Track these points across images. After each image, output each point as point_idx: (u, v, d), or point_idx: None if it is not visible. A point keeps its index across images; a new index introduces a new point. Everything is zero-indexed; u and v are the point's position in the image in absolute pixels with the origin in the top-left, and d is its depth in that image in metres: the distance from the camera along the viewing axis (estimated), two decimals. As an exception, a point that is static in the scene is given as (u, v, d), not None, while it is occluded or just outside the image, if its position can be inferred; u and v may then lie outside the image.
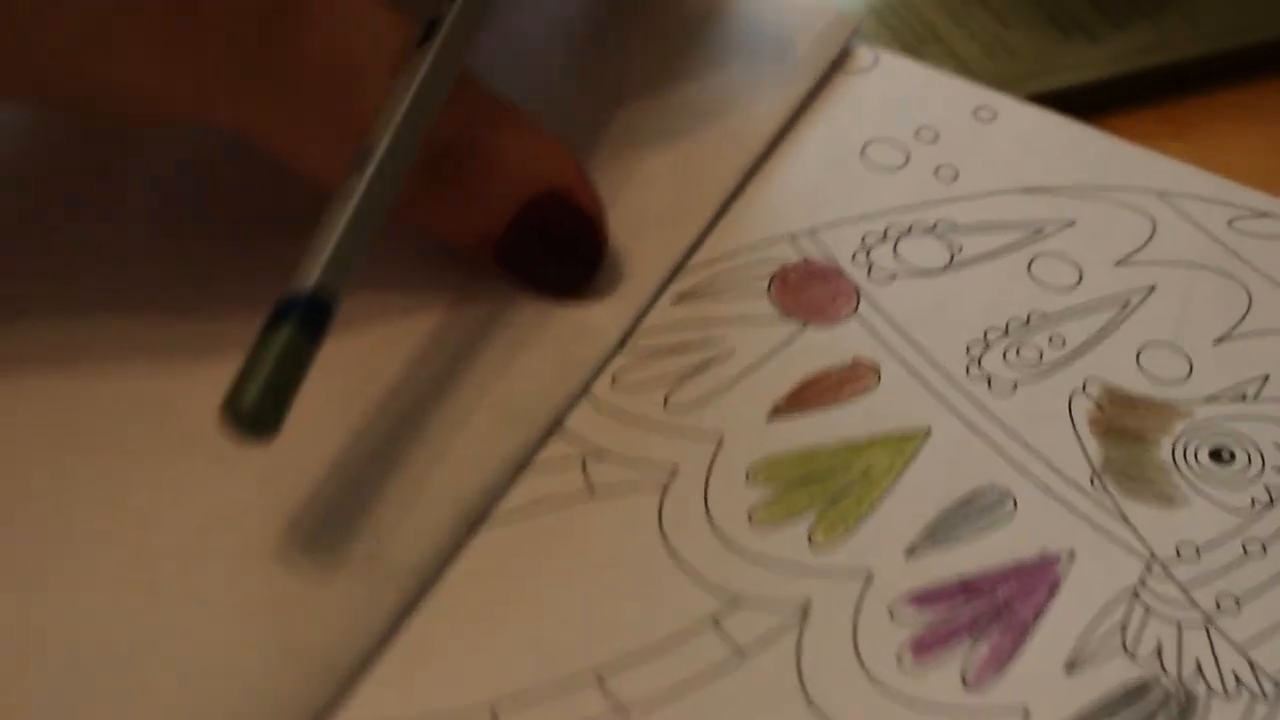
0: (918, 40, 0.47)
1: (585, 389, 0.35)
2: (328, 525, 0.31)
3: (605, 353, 0.35)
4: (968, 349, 0.36)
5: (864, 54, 0.44)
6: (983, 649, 0.31)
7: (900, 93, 0.43)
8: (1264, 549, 0.33)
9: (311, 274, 0.29)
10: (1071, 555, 0.32)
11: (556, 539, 0.32)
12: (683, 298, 0.37)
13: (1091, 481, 0.34)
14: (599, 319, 0.36)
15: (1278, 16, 0.48)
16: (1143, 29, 0.48)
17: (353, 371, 0.34)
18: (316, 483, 0.32)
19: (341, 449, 0.32)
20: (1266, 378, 0.36)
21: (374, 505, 0.31)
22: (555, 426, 0.34)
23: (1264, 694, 0.30)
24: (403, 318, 0.35)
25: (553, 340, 0.35)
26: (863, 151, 0.41)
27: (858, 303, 0.37)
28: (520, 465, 0.33)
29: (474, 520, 0.32)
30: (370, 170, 0.30)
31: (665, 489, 0.33)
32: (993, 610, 0.31)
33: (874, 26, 0.47)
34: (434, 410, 0.33)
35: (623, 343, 0.36)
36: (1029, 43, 0.47)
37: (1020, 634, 0.31)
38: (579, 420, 0.34)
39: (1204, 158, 0.44)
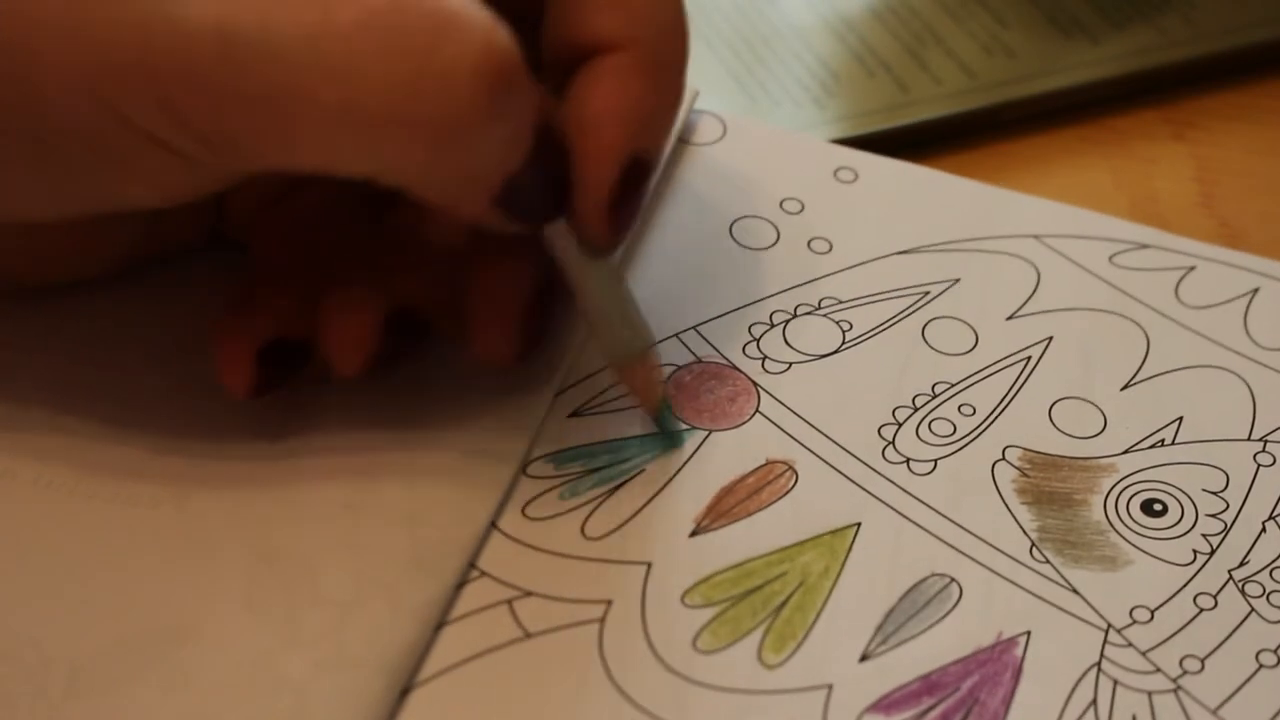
0: (918, 40, 0.51)
1: (493, 523, 0.37)
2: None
3: (508, 482, 0.37)
4: (879, 432, 0.39)
5: (710, 123, 0.47)
6: (959, 748, 0.34)
7: (756, 162, 0.45)
8: (1215, 601, 0.36)
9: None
10: (1028, 636, 0.35)
11: (497, 686, 0.34)
12: (576, 413, 0.39)
13: (1031, 553, 0.37)
14: (495, 446, 0.38)
15: (1277, 16, 0.53)
16: (1143, 29, 0.52)
17: (253, 541, 0.35)
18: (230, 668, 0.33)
19: (254, 626, 0.34)
20: (1180, 420, 0.40)
21: (292, 674, 0.33)
22: (469, 570, 0.36)
23: (1242, 750, 0.34)
24: (299, 478, 0.37)
25: (450, 478, 0.37)
26: (731, 233, 0.43)
27: (759, 400, 0.39)
28: (441, 612, 0.35)
29: (404, 679, 0.34)
30: None
31: (602, 623, 0.35)
32: (961, 706, 0.34)
33: (873, 27, 0.51)
34: (339, 568, 0.35)
35: (524, 468, 0.38)
36: (1029, 43, 0.52)
37: (993, 726, 0.34)
38: (495, 560, 0.36)
39: (1204, 158, 0.49)
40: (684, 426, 0.39)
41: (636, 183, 0.35)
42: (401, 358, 0.38)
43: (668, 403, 0.38)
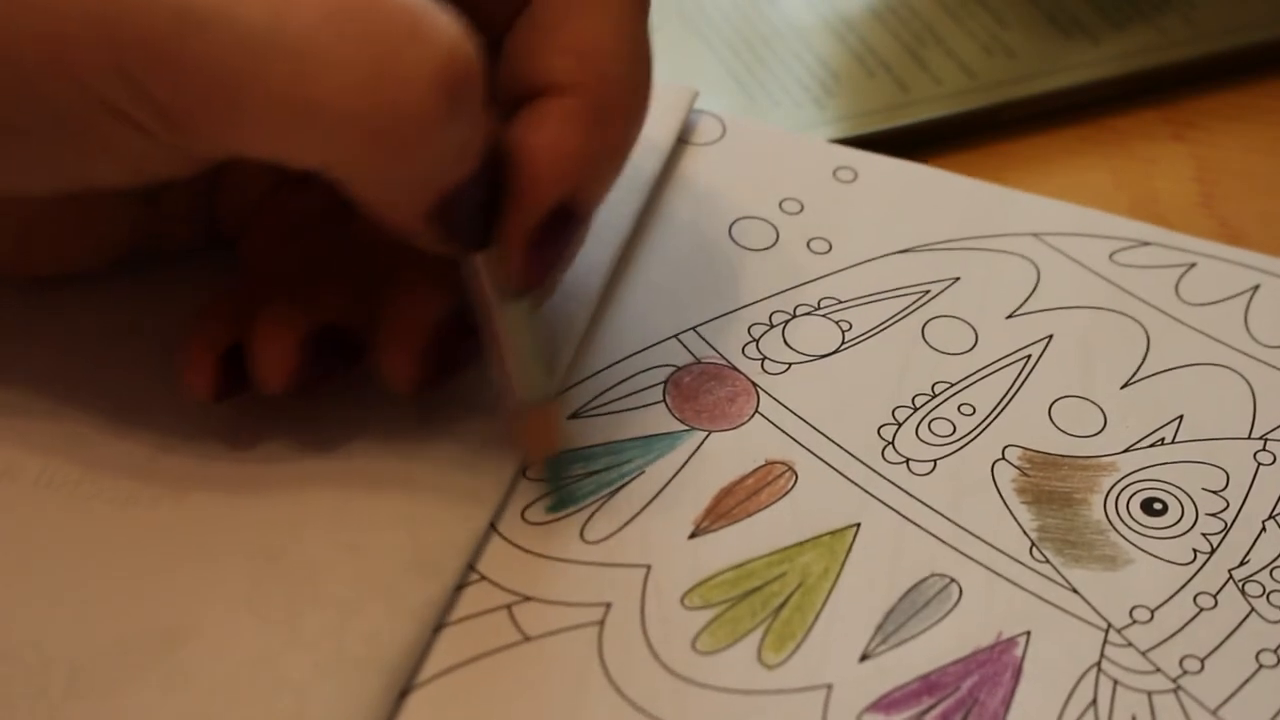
0: (917, 40, 0.52)
1: (492, 525, 0.37)
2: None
3: (507, 484, 0.38)
4: (879, 432, 0.39)
5: (710, 123, 0.47)
6: (959, 748, 0.34)
7: (756, 162, 0.46)
8: (1215, 600, 0.37)
9: None
10: (1028, 636, 0.36)
11: (496, 688, 0.34)
12: (575, 415, 0.39)
13: (1031, 553, 0.37)
14: (495, 447, 0.38)
15: (1277, 16, 0.53)
16: (1143, 29, 0.53)
17: (253, 542, 0.36)
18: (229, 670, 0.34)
19: (254, 627, 0.34)
20: (1181, 418, 0.40)
21: (292, 674, 0.34)
22: (468, 572, 0.36)
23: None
24: (300, 479, 0.37)
25: (449, 479, 0.37)
26: (731, 234, 0.44)
27: (758, 401, 0.40)
28: (440, 614, 0.35)
29: (404, 680, 0.34)
30: None
31: (602, 626, 0.35)
32: (961, 706, 0.34)
33: (873, 27, 0.52)
34: (339, 569, 0.36)
35: (523, 470, 0.38)
36: (1029, 43, 0.52)
37: (993, 726, 0.34)
38: (494, 564, 0.36)
39: (1204, 158, 0.49)
40: (575, 495, 0.38)
41: (561, 228, 0.35)
42: (332, 378, 0.38)
43: (563, 457, 0.38)
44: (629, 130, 0.36)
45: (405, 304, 0.37)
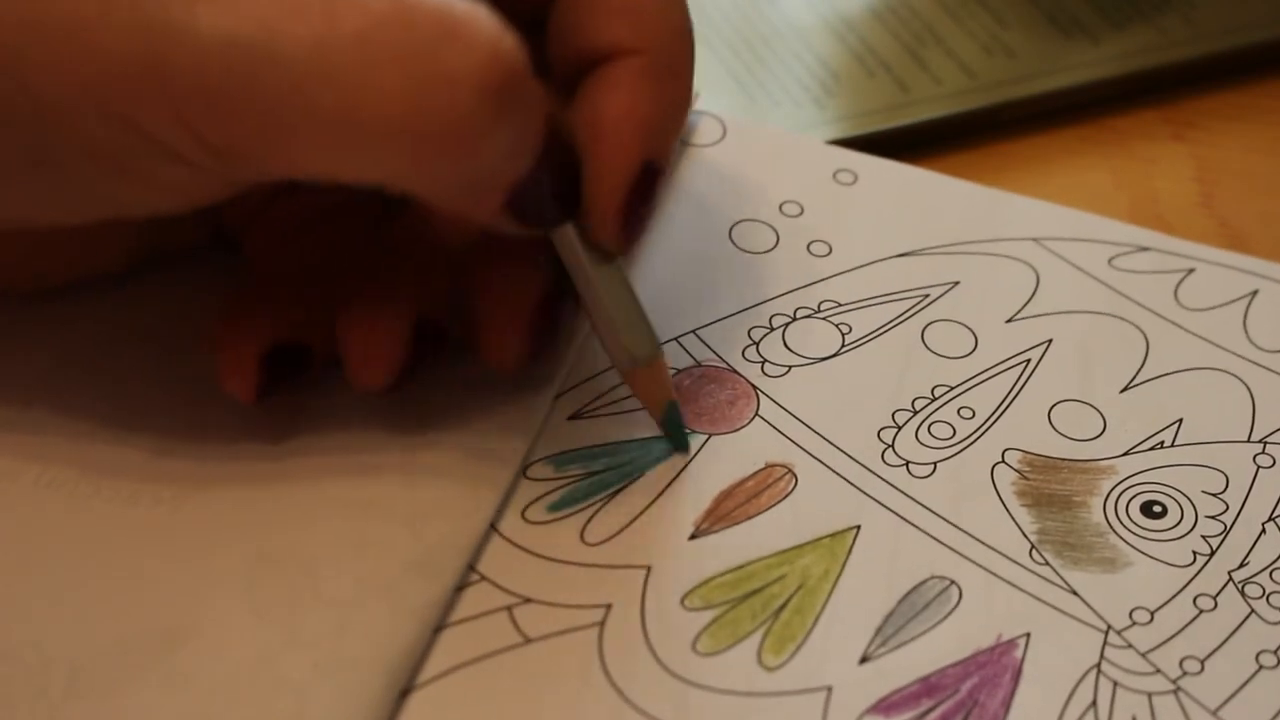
0: (917, 40, 0.52)
1: (492, 526, 0.37)
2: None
3: (508, 484, 0.38)
4: (879, 435, 0.40)
5: (710, 124, 0.47)
6: (959, 750, 0.34)
7: (756, 164, 0.46)
8: (1214, 602, 0.37)
9: None
10: (1028, 638, 0.36)
11: (497, 690, 0.35)
12: (576, 415, 0.40)
13: (1031, 555, 0.38)
14: (495, 447, 0.38)
15: (1277, 16, 0.54)
16: (1143, 29, 0.53)
17: (253, 542, 0.36)
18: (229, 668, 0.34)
19: (254, 626, 0.35)
20: (1180, 422, 0.41)
21: (292, 674, 0.34)
22: (469, 572, 0.36)
23: (1241, 752, 0.35)
24: (300, 479, 0.38)
25: (450, 479, 0.38)
26: (731, 236, 0.44)
27: (758, 404, 0.40)
28: (441, 614, 0.36)
29: (404, 680, 0.35)
30: None
31: (602, 628, 0.36)
32: (960, 708, 0.35)
33: (873, 27, 0.53)
34: (339, 569, 0.36)
35: (524, 470, 0.39)
36: (1029, 43, 0.53)
37: (993, 728, 0.35)
38: (494, 565, 0.37)
39: (1204, 158, 0.50)
40: (689, 431, 0.39)
41: (649, 188, 0.36)
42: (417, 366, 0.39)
43: (676, 407, 0.39)
44: (689, 80, 0.38)
45: (503, 284, 0.38)
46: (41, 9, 0.31)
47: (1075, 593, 0.37)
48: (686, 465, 0.39)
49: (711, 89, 0.50)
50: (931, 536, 0.38)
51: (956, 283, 0.44)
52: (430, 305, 0.38)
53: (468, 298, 0.38)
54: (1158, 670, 0.36)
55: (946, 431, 0.40)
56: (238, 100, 0.31)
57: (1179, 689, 0.36)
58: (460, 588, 0.36)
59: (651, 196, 0.36)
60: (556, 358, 0.40)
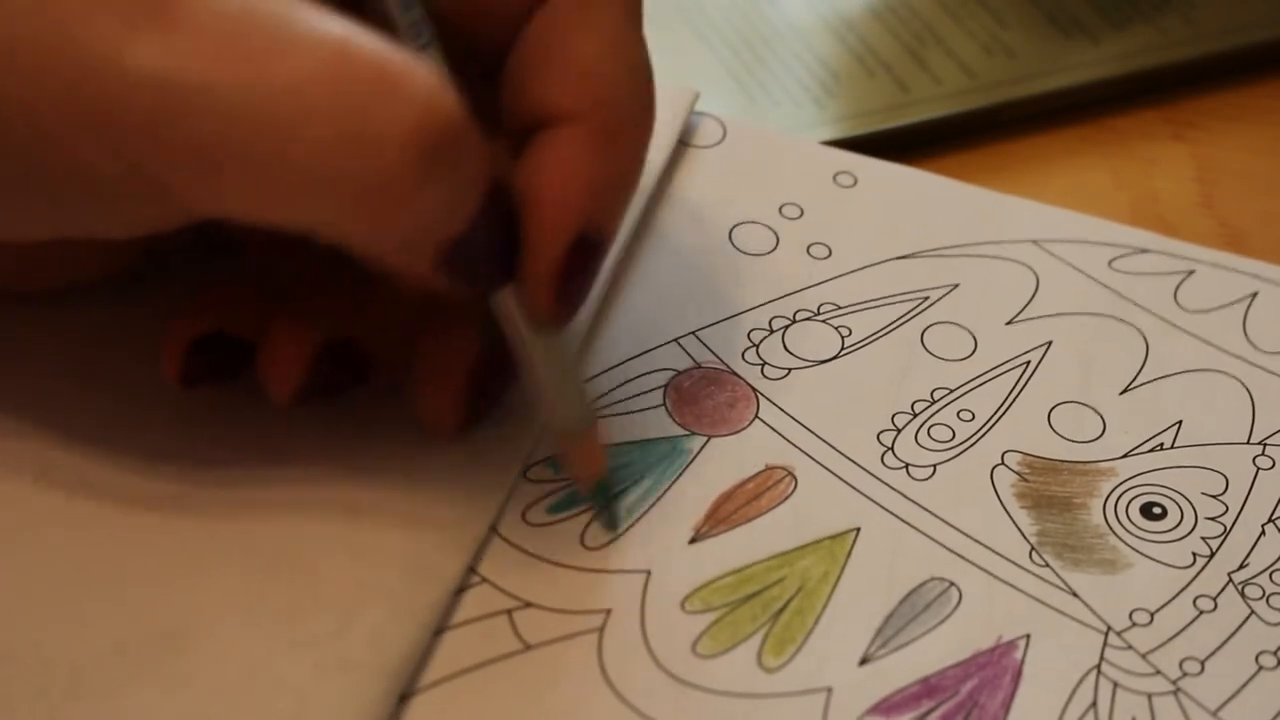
0: (918, 40, 0.53)
1: (493, 528, 0.38)
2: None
3: (508, 486, 0.39)
4: (879, 438, 0.40)
5: (710, 125, 0.48)
6: (959, 751, 0.35)
7: (756, 166, 0.47)
8: (1214, 603, 0.38)
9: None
10: (1028, 639, 0.37)
11: (497, 696, 0.35)
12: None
13: (1031, 557, 0.38)
14: (496, 448, 0.39)
15: (1277, 16, 0.55)
16: (1143, 29, 0.54)
17: (253, 544, 0.37)
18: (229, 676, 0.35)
19: (254, 628, 0.35)
20: (1180, 423, 0.41)
21: (292, 676, 0.35)
22: (470, 574, 0.37)
23: (1241, 753, 0.35)
24: (301, 480, 0.38)
25: (451, 481, 0.38)
26: (731, 238, 0.45)
27: (758, 406, 0.41)
28: (441, 616, 0.36)
29: (405, 682, 0.35)
30: None
31: (602, 633, 0.36)
32: (960, 709, 0.35)
33: (873, 27, 0.53)
34: (340, 570, 0.36)
35: (525, 472, 0.39)
36: (1029, 43, 0.53)
37: (992, 729, 0.35)
38: (495, 566, 0.37)
39: (1204, 158, 0.50)
40: (619, 515, 0.39)
41: (585, 261, 0.35)
42: (338, 392, 0.39)
43: (607, 480, 0.38)
44: (638, 150, 0.36)
45: (439, 346, 0.37)
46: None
47: (1075, 594, 0.38)
48: (686, 468, 0.39)
49: (711, 89, 0.51)
50: (931, 538, 0.38)
51: (956, 285, 0.44)
52: (357, 330, 0.38)
53: (411, 350, 0.38)
54: (1158, 671, 0.36)
55: (946, 434, 0.41)
56: (165, 138, 0.31)
57: (1179, 690, 0.36)
58: (461, 590, 0.37)
59: (588, 269, 0.35)
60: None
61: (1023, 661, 0.36)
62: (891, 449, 0.40)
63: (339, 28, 0.31)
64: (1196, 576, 0.38)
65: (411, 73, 0.31)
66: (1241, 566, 0.38)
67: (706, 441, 0.40)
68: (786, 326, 0.43)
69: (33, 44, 0.31)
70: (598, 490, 0.38)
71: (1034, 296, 0.44)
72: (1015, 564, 0.38)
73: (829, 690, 0.36)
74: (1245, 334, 0.43)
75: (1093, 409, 0.41)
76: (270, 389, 0.37)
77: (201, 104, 0.30)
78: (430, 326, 0.37)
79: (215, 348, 0.38)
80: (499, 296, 0.35)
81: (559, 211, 0.34)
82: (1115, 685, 0.36)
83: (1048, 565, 0.38)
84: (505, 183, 0.34)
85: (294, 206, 0.32)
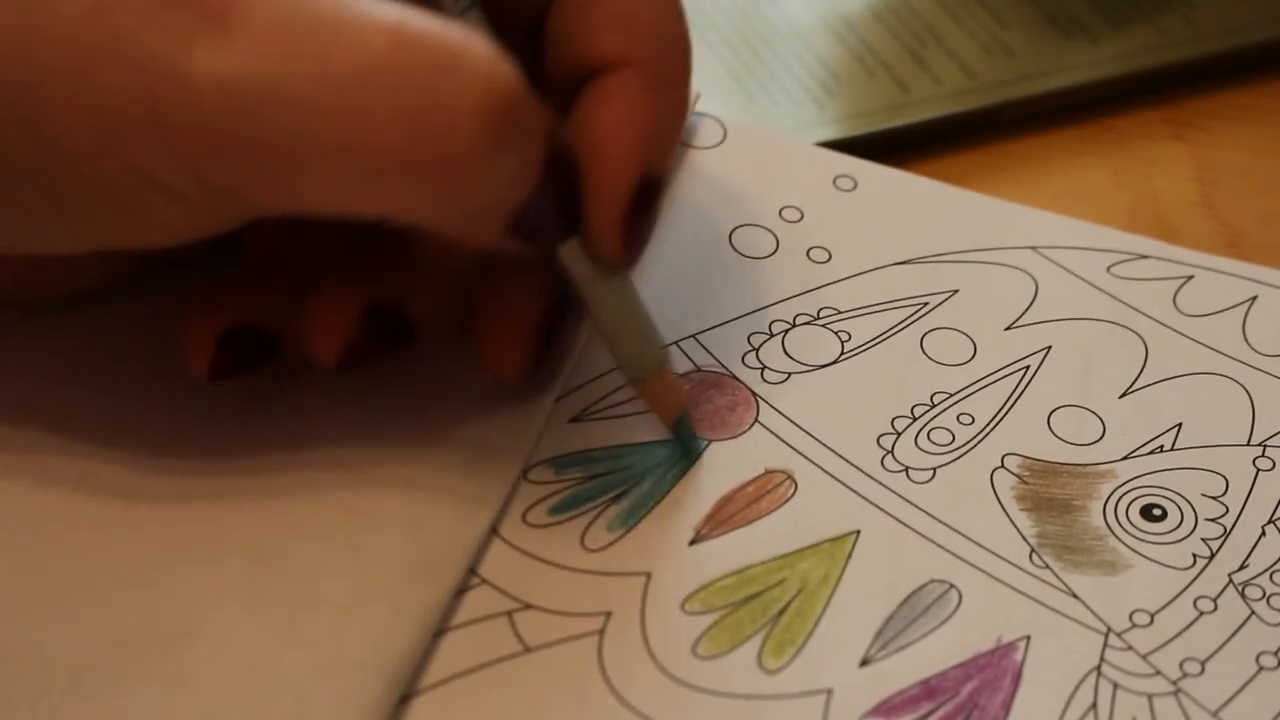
0: (918, 40, 0.53)
1: (493, 528, 0.38)
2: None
3: (509, 486, 0.39)
4: (878, 441, 0.41)
5: (710, 126, 0.48)
6: (959, 752, 0.35)
7: (756, 168, 0.47)
8: (1214, 604, 0.38)
9: None
10: (1028, 640, 0.37)
11: (497, 698, 0.35)
12: (577, 418, 0.41)
13: (1031, 559, 0.39)
14: (497, 449, 0.39)
15: (1277, 16, 0.55)
16: (1143, 29, 0.54)
17: (253, 543, 0.37)
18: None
19: (254, 628, 0.36)
20: (1179, 426, 0.42)
21: (292, 676, 0.35)
22: (470, 575, 0.37)
23: (1241, 754, 0.36)
24: (301, 480, 0.38)
25: (451, 481, 0.38)
26: (731, 240, 0.45)
27: (758, 410, 0.41)
28: (442, 617, 0.36)
29: (405, 682, 0.35)
30: None
31: (602, 635, 0.37)
32: (961, 710, 0.36)
33: (873, 27, 0.54)
34: (340, 570, 0.37)
35: (525, 473, 0.39)
36: (1029, 43, 0.54)
37: (992, 731, 0.36)
38: (495, 568, 0.38)
39: (1204, 158, 0.51)
40: (703, 441, 0.40)
41: (649, 200, 0.37)
42: (391, 359, 0.40)
43: (686, 413, 0.40)
44: (685, 89, 0.38)
45: (508, 297, 0.38)
46: (52, 47, 0.31)
47: (1075, 596, 0.38)
48: (687, 470, 0.40)
49: (711, 89, 0.51)
50: (931, 541, 0.39)
51: (955, 291, 0.45)
52: (398, 296, 0.39)
53: (472, 309, 0.39)
54: (1158, 672, 0.37)
55: (946, 437, 0.41)
56: (238, 140, 0.31)
57: (1179, 690, 0.37)
58: (461, 591, 0.37)
59: (652, 209, 0.37)
60: (558, 360, 0.41)
61: (1023, 663, 0.37)
62: (891, 452, 0.41)
63: (392, 11, 0.31)
64: (1197, 578, 0.39)
65: (469, 46, 0.32)
66: (1242, 567, 0.39)
67: (707, 444, 0.40)
68: (786, 330, 0.43)
69: (103, 54, 0.31)
70: (678, 424, 0.39)
71: (1033, 302, 0.44)
72: (1015, 566, 0.38)
73: (829, 692, 0.36)
74: (1245, 337, 0.44)
75: (1092, 412, 0.42)
76: (316, 351, 0.38)
77: (270, 103, 0.31)
78: (488, 284, 0.38)
79: (241, 340, 0.38)
80: (563, 249, 0.36)
81: (623, 157, 0.36)
82: (1115, 686, 0.36)
83: (1048, 567, 0.39)
84: (559, 138, 0.35)
85: (370, 193, 0.32)
